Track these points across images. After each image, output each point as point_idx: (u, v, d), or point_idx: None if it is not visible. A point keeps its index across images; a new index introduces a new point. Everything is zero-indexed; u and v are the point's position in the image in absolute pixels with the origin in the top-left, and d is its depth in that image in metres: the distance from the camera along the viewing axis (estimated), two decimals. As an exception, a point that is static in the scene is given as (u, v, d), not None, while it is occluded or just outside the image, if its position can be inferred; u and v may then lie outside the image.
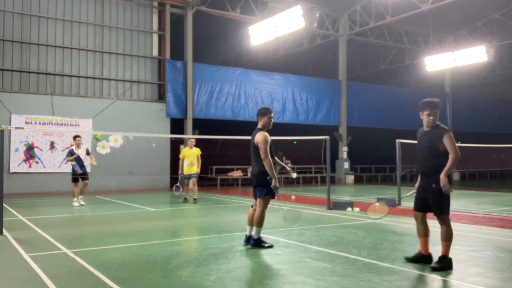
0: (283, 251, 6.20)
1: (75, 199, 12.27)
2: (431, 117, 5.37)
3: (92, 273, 5.02)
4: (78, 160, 12.11)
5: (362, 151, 27.17)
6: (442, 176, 5.16)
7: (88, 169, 13.10)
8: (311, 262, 5.52)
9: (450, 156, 5.20)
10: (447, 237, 5.23)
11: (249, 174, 6.96)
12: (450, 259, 5.23)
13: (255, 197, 6.47)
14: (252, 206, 6.55)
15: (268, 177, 6.22)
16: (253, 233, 6.41)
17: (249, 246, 6.41)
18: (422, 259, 5.42)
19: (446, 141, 5.22)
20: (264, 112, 6.50)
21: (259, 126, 6.51)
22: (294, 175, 7.39)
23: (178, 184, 13.87)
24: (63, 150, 17.52)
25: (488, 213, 10.66)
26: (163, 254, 6.01)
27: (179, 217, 10.47)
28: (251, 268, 5.33)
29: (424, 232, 5.44)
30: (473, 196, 15.99)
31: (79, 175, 12.18)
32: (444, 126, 5.40)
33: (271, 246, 6.37)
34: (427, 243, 5.45)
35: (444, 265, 5.16)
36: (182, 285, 4.59)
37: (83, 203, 12.43)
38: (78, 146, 12.17)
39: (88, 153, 12.42)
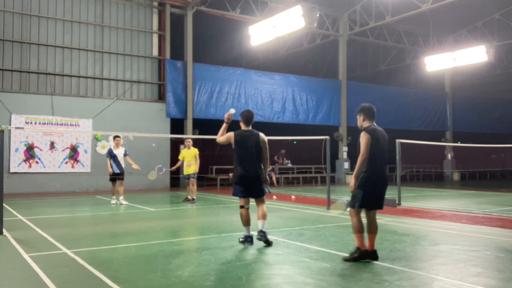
0: (283, 251, 6.20)
1: (114, 197, 12.61)
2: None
3: (92, 273, 5.02)
4: (116, 160, 12.40)
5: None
6: (352, 176, 5.59)
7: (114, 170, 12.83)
8: (311, 262, 5.53)
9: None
10: (353, 229, 5.64)
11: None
12: (362, 251, 5.51)
13: (255, 196, 6.67)
14: (242, 207, 6.66)
15: (267, 188, 6.84)
16: (263, 227, 6.57)
17: (259, 239, 6.58)
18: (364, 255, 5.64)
19: (360, 140, 5.60)
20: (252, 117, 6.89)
21: (250, 128, 6.82)
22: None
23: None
24: (63, 150, 17.55)
25: (488, 213, 10.66)
26: (163, 254, 6.01)
27: (179, 217, 10.47)
28: (251, 268, 5.33)
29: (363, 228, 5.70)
30: (473, 196, 16.00)
31: (116, 175, 12.43)
32: (371, 129, 5.67)
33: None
34: (364, 238, 5.67)
35: (355, 256, 5.50)
36: (182, 285, 4.59)
37: (125, 202, 12.56)
38: (117, 146, 12.53)
39: (125, 154, 12.66)
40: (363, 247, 5.51)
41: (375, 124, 5.81)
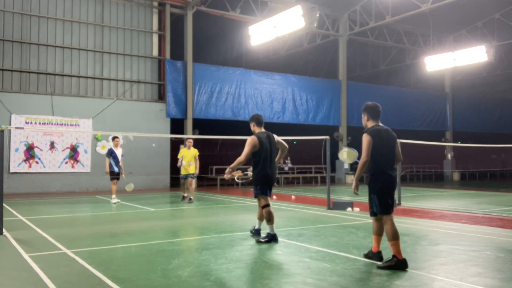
0: (283, 251, 6.20)
1: (114, 196, 12.84)
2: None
3: (92, 273, 5.02)
4: (116, 160, 12.69)
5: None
6: (354, 179, 5.38)
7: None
8: (311, 262, 5.52)
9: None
10: (388, 236, 5.27)
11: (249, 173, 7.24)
12: (401, 260, 5.14)
13: (270, 195, 6.83)
14: (268, 205, 6.74)
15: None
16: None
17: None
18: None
19: (363, 141, 5.38)
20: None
21: (263, 130, 6.88)
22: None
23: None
24: (63, 150, 17.55)
25: (488, 213, 10.66)
26: (163, 254, 6.01)
27: (179, 217, 10.46)
28: (251, 268, 5.33)
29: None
30: (473, 196, 15.99)
31: (116, 174, 12.76)
32: (374, 129, 5.42)
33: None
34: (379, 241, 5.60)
35: (391, 264, 5.14)
36: (182, 285, 4.59)
37: (116, 200, 12.92)
38: (116, 146, 12.81)
39: (122, 155, 13.03)
40: (400, 256, 5.15)
41: (380, 123, 5.54)
